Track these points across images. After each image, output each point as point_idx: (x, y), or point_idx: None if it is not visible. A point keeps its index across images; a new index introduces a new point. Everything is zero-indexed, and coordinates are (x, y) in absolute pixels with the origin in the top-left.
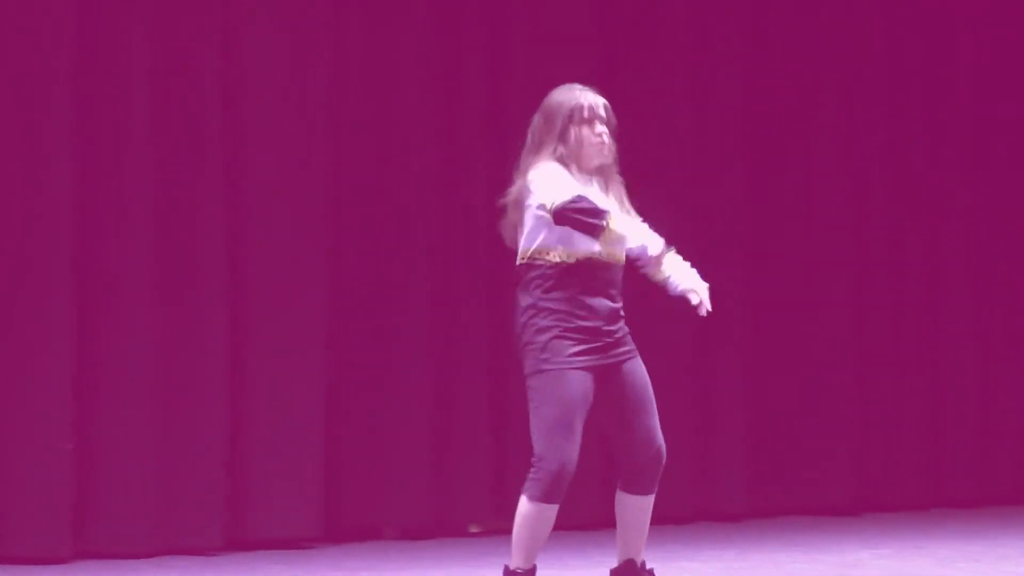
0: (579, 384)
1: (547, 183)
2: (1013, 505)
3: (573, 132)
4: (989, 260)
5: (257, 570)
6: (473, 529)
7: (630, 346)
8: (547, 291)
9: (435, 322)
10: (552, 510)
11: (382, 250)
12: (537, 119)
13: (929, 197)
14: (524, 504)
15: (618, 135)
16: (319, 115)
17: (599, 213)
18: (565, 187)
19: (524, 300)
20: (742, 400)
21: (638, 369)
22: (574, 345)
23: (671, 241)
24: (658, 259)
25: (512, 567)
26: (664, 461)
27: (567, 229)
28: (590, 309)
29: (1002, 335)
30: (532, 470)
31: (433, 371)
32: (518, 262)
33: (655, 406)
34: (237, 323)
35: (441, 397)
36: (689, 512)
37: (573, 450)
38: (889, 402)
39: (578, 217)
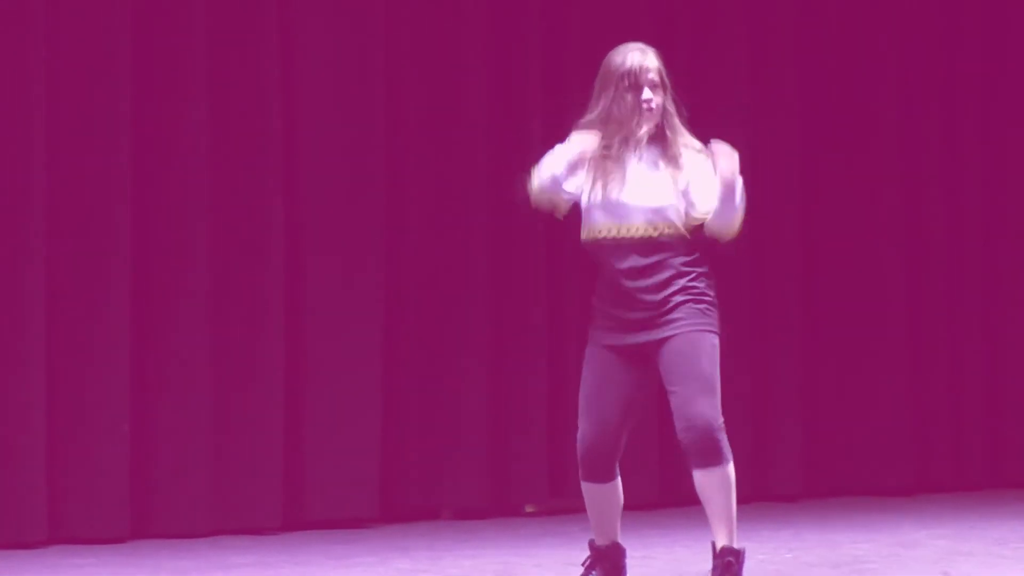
0: (605, 363)
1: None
2: None
3: (619, 98)
4: None
5: (314, 550)
6: (529, 509)
7: (676, 324)
8: (598, 270)
9: (492, 302)
10: (596, 488)
11: (438, 229)
12: (597, 80)
13: (984, 172)
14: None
15: (680, 95)
16: (376, 95)
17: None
18: (545, 164)
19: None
20: (798, 380)
21: (677, 344)
22: (605, 327)
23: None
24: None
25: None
26: (706, 432)
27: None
28: (616, 293)
29: None
30: None
31: (489, 351)
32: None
33: (692, 377)
34: (294, 302)
35: (497, 377)
36: (745, 492)
37: (593, 429)
38: (945, 383)
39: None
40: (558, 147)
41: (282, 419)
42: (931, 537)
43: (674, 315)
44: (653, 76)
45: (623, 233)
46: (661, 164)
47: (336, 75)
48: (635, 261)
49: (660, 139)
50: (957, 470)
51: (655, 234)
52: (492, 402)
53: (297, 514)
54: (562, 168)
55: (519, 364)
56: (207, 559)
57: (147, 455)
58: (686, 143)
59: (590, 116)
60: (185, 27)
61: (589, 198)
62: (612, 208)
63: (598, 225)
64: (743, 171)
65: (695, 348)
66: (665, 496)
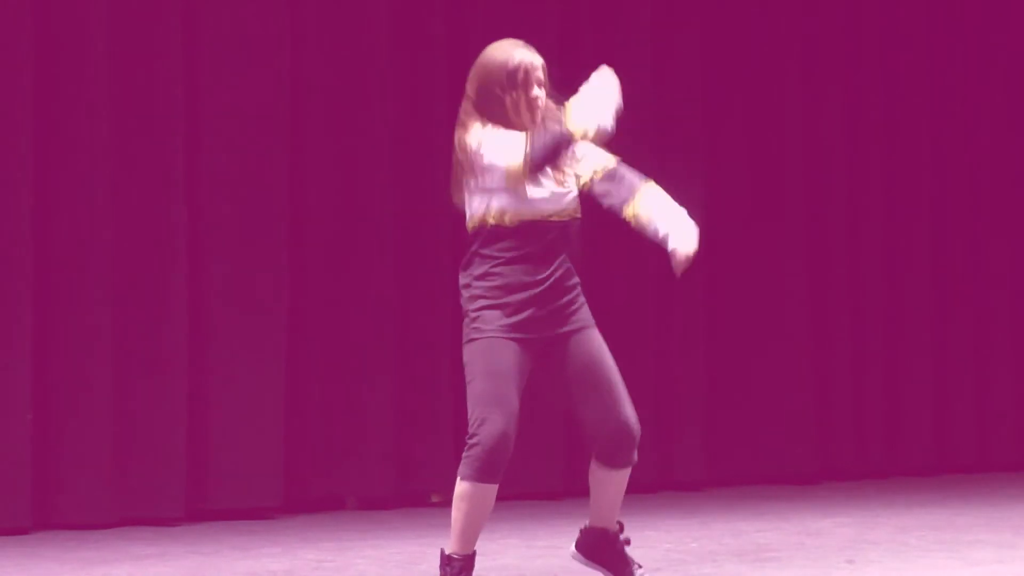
0: (511, 355)
1: (497, 145)
2: (971, 474)
3: (509, 96)
4: (950, 242)
5: (219, 540)
6: (434, 499)
7: (581, 318)
8: (483, 259)
9: (397, 292)
10: (489, 490)
11: (344, 217)
12: (473, 76)
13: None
14: (459, 486)
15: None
16: (280, 78)
17: (563, 136)
18: (514, 141)
19: (464, 267)
20: (702, 367)
21: (590, 341)
22: (507, 316)
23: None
24: (631, 191)
25: (448, 552)
26: (635, 434)
27: (506, 190)
28: (527, 278)
29: (956, 311)
30: (465, 449)
31: (394, 341)
32: (468, 228)
33: (616, 378)
34: (197, 292)
35: (402, 367)
36: (650, 481)
37: (506, 424)
38: (848, 372)
39: (547, 149)
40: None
41: (185, 409)
42: (836, 525)
43: (576, 307)
44: (540, 75)
45: (528, 217)
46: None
47: (240, 73)
48: (541, 246)
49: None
50: (858, 458)
51: (560, 219)
52: (397, 391)
53: (201, 504)
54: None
55: (424, 354)
56: (111, 550)
57: (50, 446)
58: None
59: (472, 111)
60: (89, 16)
61: (508, 182)
62: (529, 193)
63: (497, 211)
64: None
65: (604, 347)
66: (571, 486)
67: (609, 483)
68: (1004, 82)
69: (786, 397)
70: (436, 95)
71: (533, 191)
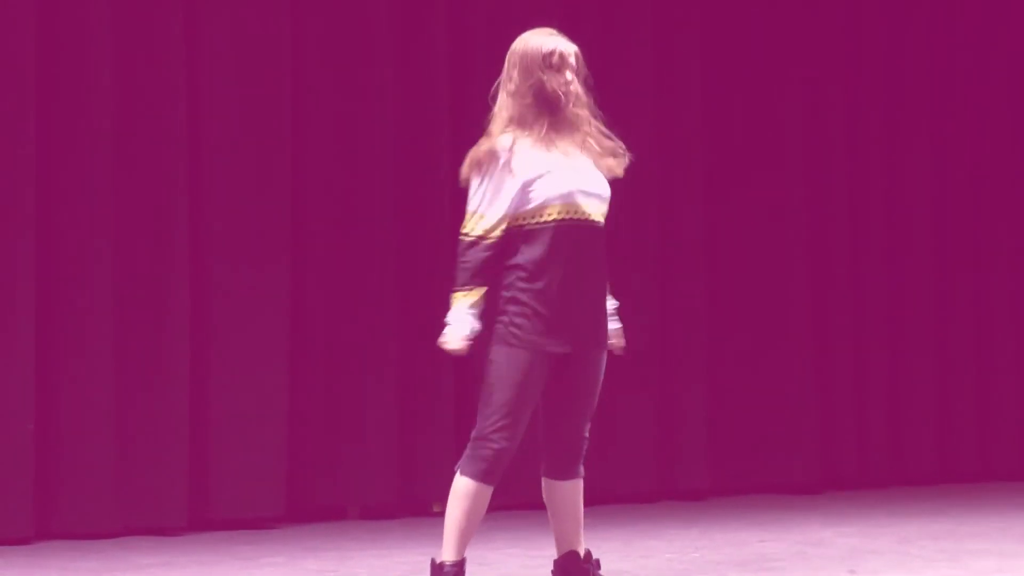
0: (541, 370)
1: (480, 194)
2: (974, 484)
3: (545, 80)
4: (951, 244)
5: (221, 550)
6: (436, 509)
7: (603, 336)
8: (525, 260)
9: (398, 300)
10: (488, 492)
11: (345, 218)
12: (508, 63)
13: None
14: (459, 482)
15: (590, 85)
16: (283, 92)
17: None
18: (488, 214)
19: (505, 268)
20: (704, 378)
21: (600, 362)
22: (544, 327)
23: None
24: None
25: (440, 560)
26: (585, 446)
27: (536, 192)
28: (567, 287)
29: (959, 319)
30: (471, 446)
31: (396, 350)
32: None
33: (597, 395)
34: (199, 301)
35: (405, 376)
36: (652, 491)
37: (518, 438)
38: (850, 381)
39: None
40: (484, 189)
41: (187, 418)
42: (838, 535)
43: (603, 323)
44: (572, 61)
45: (577, 214)
46: (583, 150)
47: (242, 74)
48: (583, 249)
49: (576, 124)
50: (861, 467)
51: (601, 220)
52: (399, 401)
53: (203, 514)
54: (507, 207)
55: (426, 363)
56: (113, 560)
57: (51, 456)
58: (595, 130)
59: (507, 99)
60: (90, 17)
61: (533, 181)
62: (561, 190)
63: (548, 206)
64: (647, 160)
65: (602, 369)
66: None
67: (563, 496)
68: (1004, 82)
69: (788, 406)
70: (436, 95)
71: (573, 182)
